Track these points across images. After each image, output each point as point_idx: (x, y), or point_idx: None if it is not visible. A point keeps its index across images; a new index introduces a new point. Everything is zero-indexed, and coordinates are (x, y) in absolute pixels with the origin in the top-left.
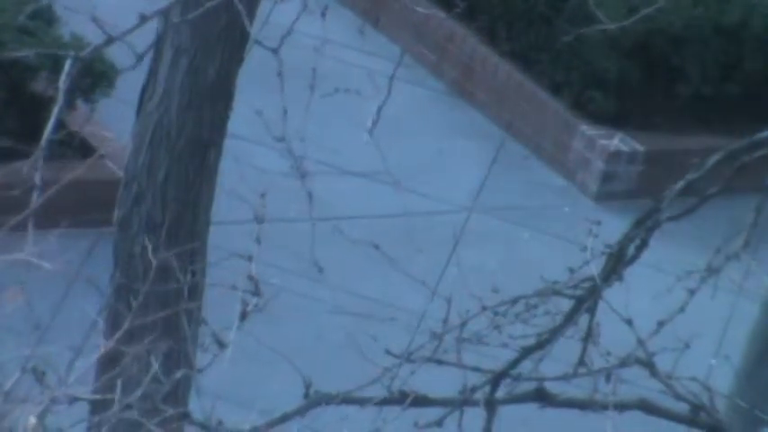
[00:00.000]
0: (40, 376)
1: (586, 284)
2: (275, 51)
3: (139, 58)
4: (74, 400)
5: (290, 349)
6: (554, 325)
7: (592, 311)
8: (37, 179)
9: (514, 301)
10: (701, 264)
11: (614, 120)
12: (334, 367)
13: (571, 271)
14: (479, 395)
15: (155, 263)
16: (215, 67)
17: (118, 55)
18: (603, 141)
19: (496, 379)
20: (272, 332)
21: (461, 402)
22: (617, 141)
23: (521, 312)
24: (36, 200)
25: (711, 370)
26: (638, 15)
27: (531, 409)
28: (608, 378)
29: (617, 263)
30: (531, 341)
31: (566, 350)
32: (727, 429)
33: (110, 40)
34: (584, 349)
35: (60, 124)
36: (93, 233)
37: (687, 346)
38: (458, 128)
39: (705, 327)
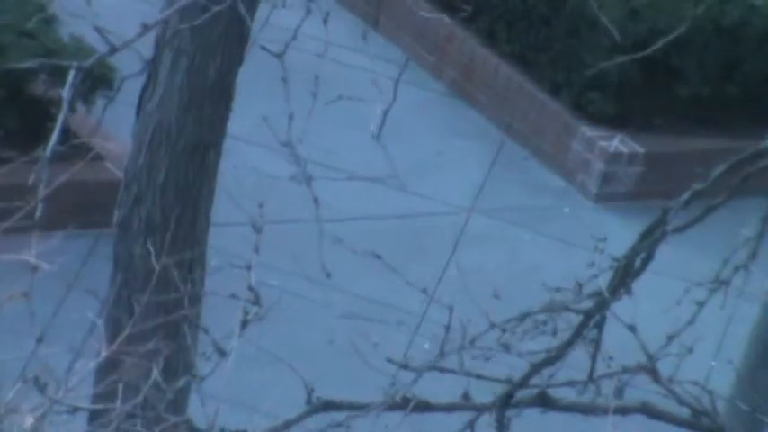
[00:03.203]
0: (41, 386)
1: (594, 299)
2: (280, 57)
3: (145, 66)
4: (75, 409)
5: (290, 351)
6: (559, 336)
7: (600, 326)
8: (41, 189)
9: (522, 317)
10: (700, 264)
11: (614, 121)
12: (335, 369)
13: (579, 285)
14: (487, 407)
15: (154, 264)
16: (215, 67)
17: (118, 58)
18: (603, 143)
19: (506, 397)
20: (272, 334)
21: (468, 409)
22: (617, 143)
23: (528, 330)
24: (38, 207)
25: (712, 372)
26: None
27: (533, 412)
28: (618, 393)
29: (624, 276)
30: (539, 355)
31: (569, 354)
32: None
33: (113, 50)
34: (593, 366)
35: (64, 132)
36: (93, 234)
37: (690, 350)
38: (457, 129)
39: (705, 329)
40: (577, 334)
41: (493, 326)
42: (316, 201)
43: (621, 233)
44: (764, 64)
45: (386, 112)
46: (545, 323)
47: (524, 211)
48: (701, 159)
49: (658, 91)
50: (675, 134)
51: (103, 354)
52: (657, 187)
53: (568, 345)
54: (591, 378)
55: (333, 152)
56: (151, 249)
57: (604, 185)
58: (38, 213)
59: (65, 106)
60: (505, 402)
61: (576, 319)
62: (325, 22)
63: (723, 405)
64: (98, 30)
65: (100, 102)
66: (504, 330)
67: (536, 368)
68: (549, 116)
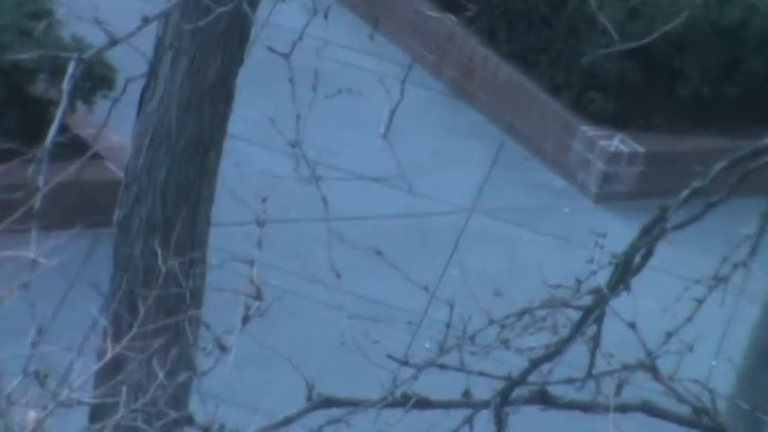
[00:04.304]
0: (42, 380)
1: (593, 295)
2: (287, 57)
3: (151, 66)
4: (77, 403)
5: (290, 350)
6: (559, 333)
7: (599, 322)
8: (40, 182)
9: (521, 313)
10: (700, 263)
11: (614, 121)
12: (336, 368)
13: (578, 282)
14: (486, 403)
15: (155, 264)
16: (215, 67)
17: (119, 57)
18: (604, 142)
19: (506, 391)
20: (273, 334)
21: (468, 406)
22: (617, 142)
23: (528, 325)
24: (38, 200)
25: (712, 371)
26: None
27: (533, 411)
28: (618, 390)
29: (624, 273)
30: (539, 351)
31: (569, 352)
32: (728, 431)
33: (113, 42)
34: (592, 361)
35: (62, 126)
36: (94, 234)
37: (691, 349)
38: (458, 129)
39: (706, 328)
40: (577, 330)
41: (492, 322)
42: (325, 201)
43: (622, 233)
44: (764, 64)
45: (393, 112)
46: (544, 319)
47: (525, 211)
48: (701, 159)
49: (658, 91)
50: (675, 134)
51: (106, 353)
52: (658, 187)
53: (568, 340)
54: (590, 374)
55: (333, 151)
56: (156, 249)
57: (605, 185)
58: (37, 205)
59: (64, 98)
60: (504, 398)
61: (575, 316)
62: (326, 16)
63: (724, 404)
64: (98, 22)
65: (101, 102)
66: (503, 326)
67: (535, 364)
68: (549, 116)
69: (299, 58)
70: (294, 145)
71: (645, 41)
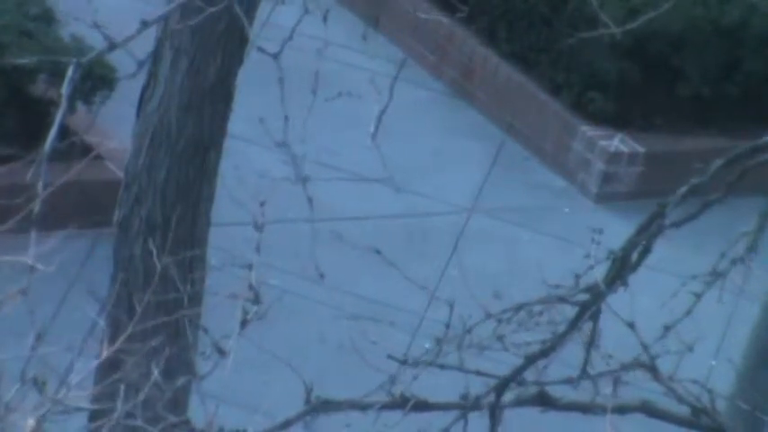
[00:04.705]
0: (41, 386)
1: (590, 291)
2: (276, 57)
3: (140, 65)
4: (74, 409)
5: (290, 351)
6: (556, 330)
7: (595, 318)
8: (40, 186)
9: (518, 308)
10: (697, 262)
11: (614, 121)
12: (335, 369)
13: (577, 277)
14: (483, 402)
15: (155, 264)
16: (215, 67)
17: (118, 58)
18: (603, 142)
19: (501, 387)
20: (272, 334)
21: (465, 408)
22: (617, 142)
23: (524, 321)
24: (37, 203)
25: (712, 371)
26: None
27: (532, 412)
28: (615, 387)
29: (621, 269)
30: (535, 346)
31: (567, 352)
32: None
33: (112, 47)
34: (587, 357)
35: (63, 128)
36: (93, 234)
37: (690, 349)
38: (458, 129)
39: (706, 328)
40: (572, 325)
41: (489, 316)
42: (310, 201)
43: (622, 233)
44: (764, 64)
45: (382, 112)
46: (541, 314)
47: (525, 211)
48: (701, 159)
49: (658, 91)
50: (675, 134)
51: (104, 353)
52: (658, 187)
53: (563, 336)
54: (585, 370)
55: (334, 152)
56: (152, 249)
57: (605, 185)
58: (36, 208)
59: (64, 102)
60: (499, 394)
61: (572, 314)
62: (325, 19)
63: (723, 404)
64: (97, 26)
65: (100, 102)
66: (499, 321)
67: (530, 360)
68: (549, 116)
69: (298, 59)
70: (281, 144)
71: (628, 27)
